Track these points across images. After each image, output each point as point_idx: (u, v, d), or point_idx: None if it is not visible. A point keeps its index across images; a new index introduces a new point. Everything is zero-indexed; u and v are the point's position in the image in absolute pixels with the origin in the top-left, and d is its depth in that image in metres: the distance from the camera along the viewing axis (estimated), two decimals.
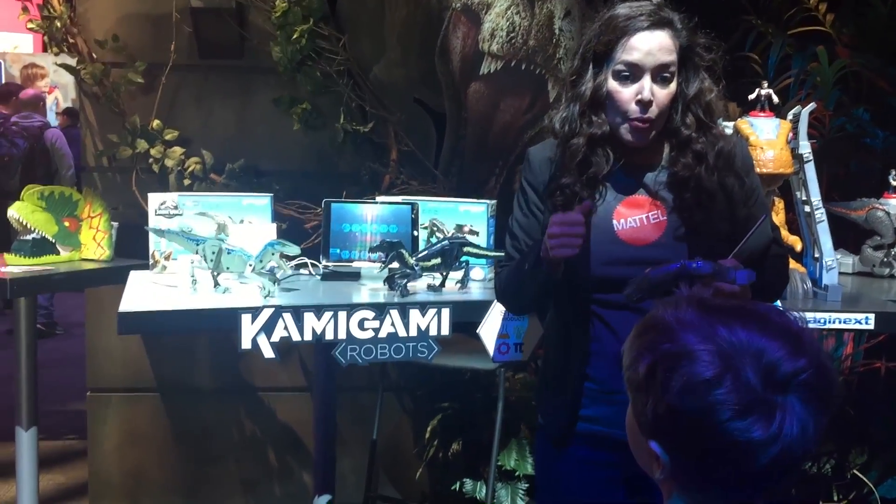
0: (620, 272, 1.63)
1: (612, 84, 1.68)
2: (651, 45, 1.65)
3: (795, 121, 2.51)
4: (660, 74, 1.66)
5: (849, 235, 3.02)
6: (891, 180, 2.90)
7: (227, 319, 2.06)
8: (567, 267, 1.70)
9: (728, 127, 2.29)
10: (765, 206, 1.85)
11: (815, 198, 2.50)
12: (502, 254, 2.44)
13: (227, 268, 2.29)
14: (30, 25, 3.21)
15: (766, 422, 0.95)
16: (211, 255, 2.27)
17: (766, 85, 2.52)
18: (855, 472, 3.19)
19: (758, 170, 1.99)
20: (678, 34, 1.68)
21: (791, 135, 2.48)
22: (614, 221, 1.73)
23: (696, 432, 0.97)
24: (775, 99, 2.52)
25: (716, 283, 1.51)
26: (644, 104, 1.66)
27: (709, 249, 1.60)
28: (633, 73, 1.66)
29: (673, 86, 1.68)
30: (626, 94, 1.67)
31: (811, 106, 2.55)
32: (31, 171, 5.42)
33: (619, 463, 1.68)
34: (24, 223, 2.76)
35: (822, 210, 2.51)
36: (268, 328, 2.04)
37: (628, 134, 1.69)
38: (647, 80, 1.65)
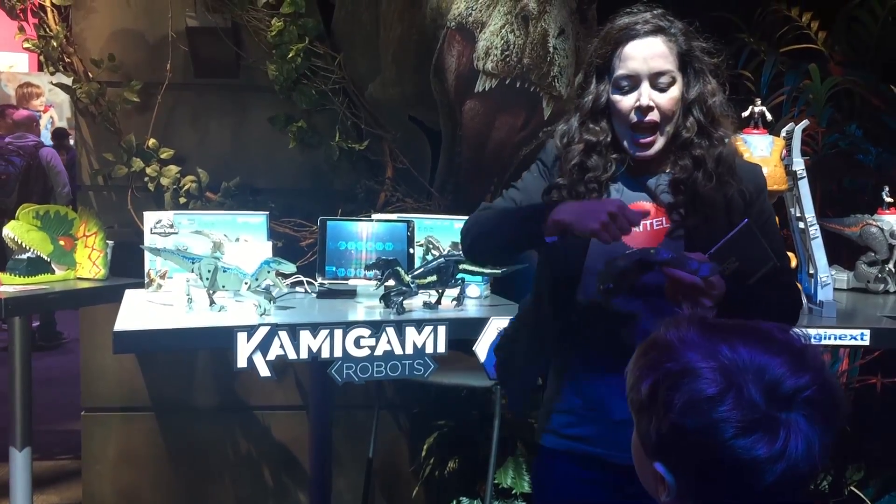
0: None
1: (613, 95, 1.69)
2: (646, 52, 1.65)
3: (789, 138, 2.52)
4: (658, 81, 1.66)
5: (843, 251, 3.03)
6: (884, 196, 2.92)
7: (223, 338, 2.05)
8: (569, 272, 1.69)
9: None
10: (774, 231, 1.81)
11: (809, 214, 2.51)
12: (499, 271, 2.46)
13: (223, 286, 2.28)
14: (26, 45, 3.22)
15: (770, 439, 0.94)
16: (206, 273, 2.26)
17: (759, 102, 2.54)
18: (852, 488, 3.19)
19: None
20: (674, 39, 1.68)
21: (784, 152, 2.50)
22: None
23: (700, 451, 0.96)
24: (768, 116, 2.53)
25: (672, 269, 1.49)
26: (643, 110, 1.65)
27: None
28: (630, 81, 1.67)
29: (675, 91, 1.67)
30: (626, 102, 1.67)
31: (804, 123, 2.56)
32: (28, 190, 5.47)
33: (610, 483, 1.68)
34: (20, 242, 2.76)
35: (817, 226, 2.52)
36: (263, 346, 2.03)
37: (633, 148, 1.69)
38: (645, 87, 1.66)
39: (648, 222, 1.72)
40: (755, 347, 0.99)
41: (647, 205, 1.73)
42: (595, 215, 1.53)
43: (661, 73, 1.66)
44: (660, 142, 1.69)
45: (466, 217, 2.68)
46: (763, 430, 0.94)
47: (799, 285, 2.55)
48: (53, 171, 5.64)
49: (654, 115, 1.66)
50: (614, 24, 1.71)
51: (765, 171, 2.39)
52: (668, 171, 1.74)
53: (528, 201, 1.78)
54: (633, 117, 1.67)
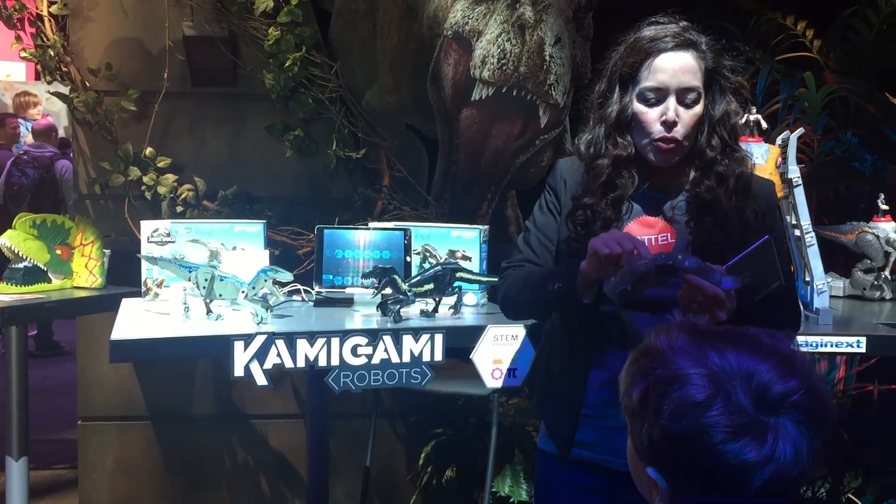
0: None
1: (638, 106, 1.68)
2: (675, 66, 1.65)
3: (784, 146, 2.52)
4: (685, 96, 1.65)
5: (839, 259, 3.04)
6: (879, 204, 2.92)
7: (220, 346, 2.05)
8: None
9: None
10: (783, 249, 1.80)
11: (805, 222, 2.51)
12: (496, 279, 2.45)
13: (220, 295, 2.28)
14: (23, 54, 3.22)
15: (758, 443, 0.96)
16: (203, 282, 2.26)
17: (754, 110, 2.54)
18: (850, 496, 3.19)
19: None
20: (703, 56, 1.67)
21: (780, 160, 2.50)
22: None
23: (691, 456, 0.98)
24: (764, 124, 2.54)
25: (696, 278, 1.49)
26: (669, 124, 1.65)
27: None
28: (657, 94, 1.66)
29: (699, 108, 1.67)
30: (652, 115, 1.66)
31: (800, 131, 2.57)
32: (40, 201, 5.50)
33: (608, 489, 1.69)
34: (16, 251, 2.75)
35: (812, 234, 2.52)
36: (260, 355, 2.03)
37: (653, 155, 1.69)
38: (671, 101, 1.65)
39: (654, 237, 1.72)
40: (743, 353, 1.00)
41: (655, 220, 1.73)
42: (611, 248, 1.54)
43: (689, 89, 1.65)
44: (680, 152, 1.69)
45: (463, 225, 2.70)
46: (751, 435, 0.96)
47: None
48: (67, 183, 5.67)
49: (677, 131, 1.66)
50: (641, 34, 1.69)
51: None
52: (686, 190, 1.73)
53: (546, 242, 1.78)
54: (658, 131, 1.66)
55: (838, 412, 3.20)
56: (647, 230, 1.73)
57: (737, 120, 1.72)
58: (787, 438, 0.96)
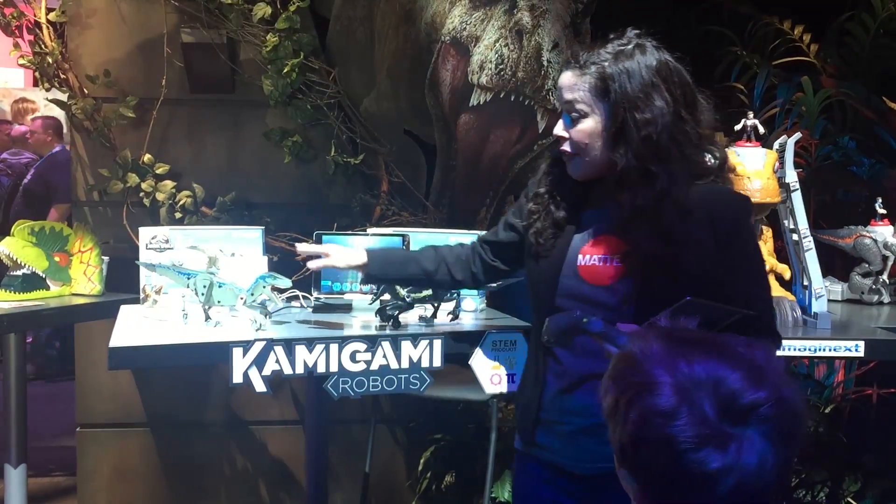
0: (574, 307, 1.67)
1: None
2: (561, 84, 1.72)
3: (782, 150, 2.53)
4: (570, 113, 1.71)
5: (837, 263, 3.04)
6: (877, 208, 2.93)
7: (219, 353, 2.04)
8: (536, 295, 1.78)
9: None
10: (753, 274, 1.68)
11: (803, 226, 2.51)
12: (494, 285, 2.47)
13: (219, 301, 2.28)
14: (21, 61, 3.22)
15: (721, 453, 0.97)
16: (202, 288, 2.26)
17: (752, 115, 2.55)
18: (849, 500, 3.19)
19: None
20: (582, 71, 1.67)
21: (777, 164, 2.51)
22: (579, 256, 1.72)
23: (656, 462, 1.00)
24: (761, 129, 2.54)
25: (604, 343, 1.53)
26: (556, 139, 1.75)
27: (658, 298, 1.52)
28: (562, 111, 1.75)
29: (587, 123, 1.67)
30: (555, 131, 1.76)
31: (797, 135, 2.57)
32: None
33: (569, 490, 1.75)
34: (15, 258, 2.75)
35: (810, 238, 2.52)
36: (259, 362, 2.03)
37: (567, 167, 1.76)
38: (563, 118, 1.73)
39: (608, 256, 1.69)
40: (714, 361, 1.01)
41: (612, 239, 1.70)
42: None
43: (568, 104, 1.70)
44: (578, 165, 1.72)
45: (462, 230, 2.71)
46: (714, 445, 0.97)
47: (792, 296, 2.56)
48: None
49: (565, 146, 1.73)
50: None
51: (758, 183, 2.40)
52: (609, 204, 1.69)
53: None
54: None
55: (830, 420, 3.20)
56: (601, 250, 1.70)
57: (652, 129, 1.58)
58: (752, 449, 0.97)
